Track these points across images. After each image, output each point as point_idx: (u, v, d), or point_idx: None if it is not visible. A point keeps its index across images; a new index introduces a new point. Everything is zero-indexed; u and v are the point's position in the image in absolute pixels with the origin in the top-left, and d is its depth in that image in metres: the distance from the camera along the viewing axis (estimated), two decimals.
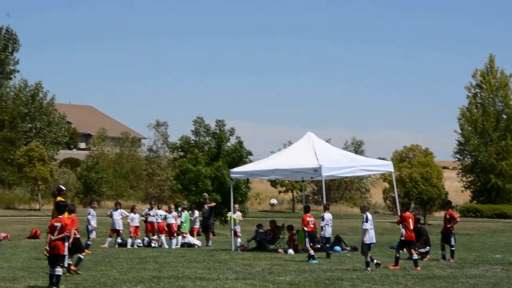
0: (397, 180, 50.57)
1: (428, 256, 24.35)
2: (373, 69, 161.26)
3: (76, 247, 18.07)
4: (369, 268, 19.72)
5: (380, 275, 18.67)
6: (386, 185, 72.41)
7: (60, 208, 16.43)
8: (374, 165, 29.95)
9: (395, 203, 34.18)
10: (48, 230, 15.99)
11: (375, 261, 20.00)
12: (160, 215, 30.37)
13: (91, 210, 27.71)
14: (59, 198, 20.33)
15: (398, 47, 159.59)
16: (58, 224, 15.82)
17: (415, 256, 20.95)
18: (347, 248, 27.90)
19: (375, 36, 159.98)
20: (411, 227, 21.04)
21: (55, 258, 15.69)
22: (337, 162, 27.76)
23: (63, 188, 21.80)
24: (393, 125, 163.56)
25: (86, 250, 25.94)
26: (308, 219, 23.70)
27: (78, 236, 18.14)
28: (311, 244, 23.21)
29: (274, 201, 31.77)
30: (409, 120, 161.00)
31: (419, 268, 20.38)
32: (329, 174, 27.57)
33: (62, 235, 15.75)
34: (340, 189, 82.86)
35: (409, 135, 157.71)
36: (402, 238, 20.93)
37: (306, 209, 24.62)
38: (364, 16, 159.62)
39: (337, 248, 27.81)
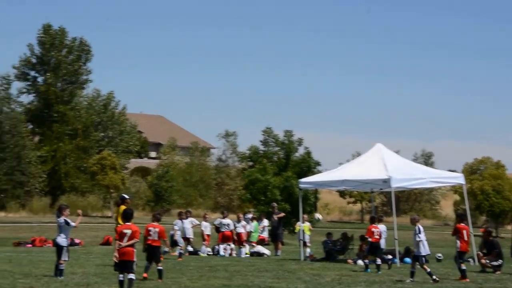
0: (468, 193, 49.72)
1: (501, 269, 23.94)
2: (442, 80, 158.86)
3: (155, 256, 18.61)
4: (434, 276, 19.48)
5: None
6: (457, 197, 71.35)
7: (127, 216, 16.75)
8: (445, 177, 29.62)
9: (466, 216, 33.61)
10: (116, 237, 16.33)
11: (410, 279, 19.72)
12: (224, 224, 30.52)
13: (178, 221, 28.51)
14: (122, 207, 20.69)
15: (469, 57, 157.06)
16: (127, 231, 16.09)
17: (464, 267, 20.69)
18: None
19: (449, 44, 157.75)
20: (466, 238, 21.01)
21: (125, 264, 16.01)
22: (407, 174, 27.54)
23: (126, 196, 22.35)
24: (464, 137, 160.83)
25: (179, 258, 26.63)
26: (373, 229, 23.79)
27: (167, 248, 18.73)
28: (366, 253, 23.67)
29: (319, 216, 31.74)
30: (480, 132, 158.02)
31: (468, 280, 20.10)
32: (398, 185, 27.42)
33: (133, 241, 16.08)
34: (410, 201, 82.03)
35: (480, 147, 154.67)
36: (458, 250, 20.89)
37: (372, 220, 24.66)
38: (434, 23, 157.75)
39: (407, 259, 27.55)
